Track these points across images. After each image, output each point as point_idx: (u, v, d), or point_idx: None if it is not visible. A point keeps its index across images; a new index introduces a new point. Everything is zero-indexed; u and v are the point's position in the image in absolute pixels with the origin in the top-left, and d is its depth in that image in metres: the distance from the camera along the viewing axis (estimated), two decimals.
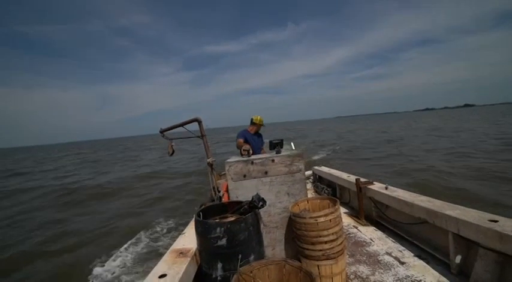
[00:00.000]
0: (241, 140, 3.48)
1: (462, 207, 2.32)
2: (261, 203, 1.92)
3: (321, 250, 2.03)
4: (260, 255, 1.91)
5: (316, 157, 14.95)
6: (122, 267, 4.83)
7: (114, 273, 4.66)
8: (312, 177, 5.70)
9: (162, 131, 3.51)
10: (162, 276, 1.73)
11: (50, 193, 12.21)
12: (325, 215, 2.02)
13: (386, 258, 2.57)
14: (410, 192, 2.98)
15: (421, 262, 2.44)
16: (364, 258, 2.61)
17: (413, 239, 2.79)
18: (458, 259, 2.19)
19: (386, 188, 3.21)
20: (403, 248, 2.74)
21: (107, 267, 4.88)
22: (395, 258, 2.56)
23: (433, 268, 2.32)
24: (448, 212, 2.24)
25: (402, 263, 2.45)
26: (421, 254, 2.58)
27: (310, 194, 4.94)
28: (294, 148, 3.29)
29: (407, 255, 2.59)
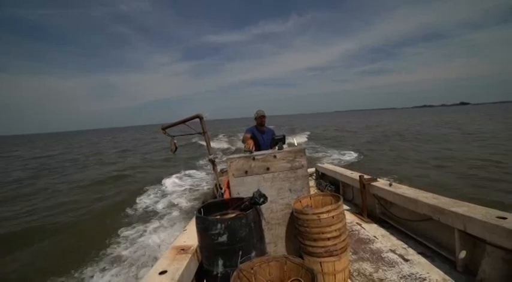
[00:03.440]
0: (247, 135, 3.49)
1: (469, 203, 2.26)
2: (262, 199, 1.90)
3: (323, 247, 2.00)
4: (261, 252, 1.88)
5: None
6: None
7: None
8: (315, 174, 5.65)
9: (163, 128, 3.49)
10: (163, 272, 1.71)
11: None
12: (328, 212, 1.98)
13: (390, 255, 2.53)
14: (415, 189, 2.93)
15: (426, 259, 2.40)
16: (368, 255, 2.57)
17: (417, 236, 2.74)
18: (464, 256, 2.14)
19: (390, 185, 3.16)
20: (407, 245, 2.70)
21: None
22: (400, 255, 2.52)
23: (438, 266, 2.28)
24: (454, 209, 2.19)
25: (406, 260, 2.41)
26: (426, 251, 2.54)
27: (313, 191, 4.90)
28: (296, 144, 3.25)
29: (412, 253, 2.55)
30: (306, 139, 23.02)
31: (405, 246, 2.69)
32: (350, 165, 10.47)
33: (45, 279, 4.42)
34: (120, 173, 13.12)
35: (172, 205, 7.47)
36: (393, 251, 2.61)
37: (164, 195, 8.50)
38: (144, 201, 8.08)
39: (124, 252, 4.94)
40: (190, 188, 9.13)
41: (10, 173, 16.17)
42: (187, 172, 11.90)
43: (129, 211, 7.34)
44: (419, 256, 2.47)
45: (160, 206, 7.45)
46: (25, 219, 7.51)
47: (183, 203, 7.57)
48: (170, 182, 9.97)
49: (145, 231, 5.82)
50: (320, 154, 14.59)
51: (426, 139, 18.66)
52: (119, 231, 5.92)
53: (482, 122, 31.90)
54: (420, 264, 2.33)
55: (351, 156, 13.72)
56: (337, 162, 12.02)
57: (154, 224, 6.18)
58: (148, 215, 6.90)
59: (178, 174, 11.36)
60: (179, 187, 9.31)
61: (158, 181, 10.27)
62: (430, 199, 2.53)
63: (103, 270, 4.48)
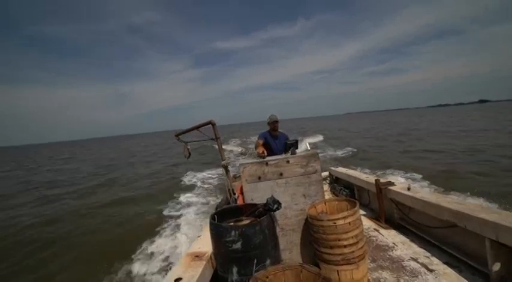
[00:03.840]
0: (260, 141, 3.49)
1: (499, 210, 2.11)
2: (276, 206, 1.87)
3: (340, 254, 1.94)
4: (276, 260, 1.85)
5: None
6: None
7: None
8: (328, 179, 5.55)
9: (177, 135, 3.54)
10: (178, 279, 1.71)
11: None
12: (344, 218, 1.93)
13: (412, 264, 2.40)
14: (436, 193, 2.80)
15: (453, 270, 2.24)
16: (387, 263, 2.46)
17: (441, 244, 2.57)
18: (498, 268, 1.97)
19: (408, 189, 3.03)
20: (430, 253, 2.54)
21: None
22: (423, 264, 2.38)
23: (468, 277, 2.11)
24: (483, 216, 2.03)
25: (431, 271, 2.27)
26: (452, 261, 2.37)
27: (327, 195, 4.80)
28: (309, 148, 3.20)
29: (436, 262, 2.39)
30: (322, 138, 23.85)
31: (428, 254, 2.54)
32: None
33: None
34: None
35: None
36: (415, 260, 2.47)
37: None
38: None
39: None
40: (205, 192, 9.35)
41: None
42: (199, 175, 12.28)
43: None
44: (445, 266, 2.31)
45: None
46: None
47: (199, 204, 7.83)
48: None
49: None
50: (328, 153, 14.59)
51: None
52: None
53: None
54: (447, 275, 2.17)
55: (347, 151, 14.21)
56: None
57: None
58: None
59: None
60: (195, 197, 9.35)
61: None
62: (453, 204, 2.38)
63: None
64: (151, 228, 6.11)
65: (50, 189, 12.86)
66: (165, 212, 7.23)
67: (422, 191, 2.93)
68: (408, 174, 8.20)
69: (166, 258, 4.67)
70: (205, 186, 9.96)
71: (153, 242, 5.40)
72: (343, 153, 14.66)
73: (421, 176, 7.83)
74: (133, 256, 4.89)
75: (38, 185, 14.59)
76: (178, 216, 6.77)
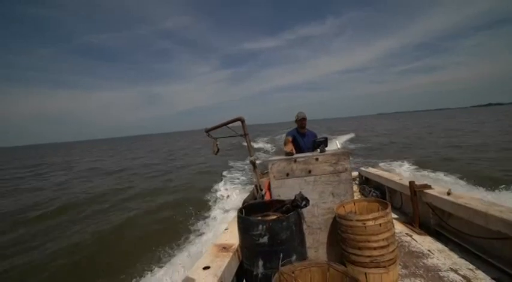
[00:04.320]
0: (289, 138, 3.52)
1: None
2: (304, 203, 1.86)
3: (369, 256, 1.88)
4: (302, 256, 1.85)
5: None
6: None
7: None
8: (358, 179, 5.36)
9: (207, 131, 3.66)
10: (206, 268, 1.79)
11: None
12: (375, 219, 1.86)
13: (452, 275, 2.19)
14: (482, 199, 2.55)
15: None
16: (421, 271, 2.30)
17: (488, 256, 2.30)
18: None
19: (448, 194, 2.82)
20: (474, 266, 2.29)
21: None
22: (464, 277, 2.15)
23: None
24: None
25: None
26: (502, 277, 2.11)
27: (356, 196, 4.64)
28: (339, 147, 3.12)
29: (482, 277, 2.13)
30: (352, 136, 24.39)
31: (471, 267, 2.28)
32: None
33: None
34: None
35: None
36: (455, 271, 2.24)
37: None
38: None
39: None
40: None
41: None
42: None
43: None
44: None
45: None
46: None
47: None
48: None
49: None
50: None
51: None
52: None
53: None
54: None
55: None
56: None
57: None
58: None
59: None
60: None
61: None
62: (506, 213, 2.11)
63: None
64: None
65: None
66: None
67: (466, 196, 2.70)
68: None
69: None
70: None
71: None
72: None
73: None
74: None
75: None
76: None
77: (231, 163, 15.45)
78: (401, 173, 8.87)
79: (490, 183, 6.89)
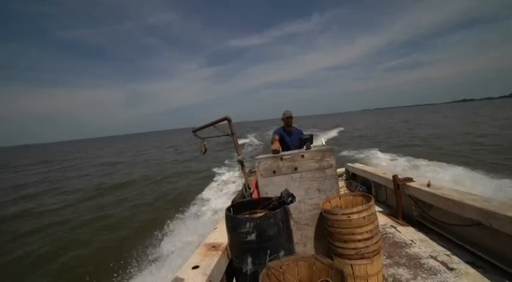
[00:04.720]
0: (275, 137, 3.55)
1: None
2: (290, 199, 1.90)
3: (354, 248, 1.94)
4: (290, 252, 1.89)
5: None
6: None
7: None
8: (345, 175, 5.48)
9: (194, 131, 3.65)
10: (195, 267, 1.80)
11: None
12: (359, 212, 1.92)
13: (431, 262, 2.34)
14: (458, 190, 2.69)
15: (476, 270, 2.15)
16: (404, 260, 2.42)
17: (464, 243, 2.47)
18: None
19: (428, 185, 2.95)
20: (451, 252, 2.46)
21: None
22: (442, 263, 2.31)
23: (493, 278, 2.01)
24: (511, 214, 1.94)
25: (451, 269, 2.20)
26: (475, 260, 2.27)
27: (343, 191, 4.75)
28: (324, 143, 3.19)
29: (457, 261, 2.30)
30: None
31: (448, 252, 2.46)
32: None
33: None
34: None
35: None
36: (434, 258, 2.40)
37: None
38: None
39: None
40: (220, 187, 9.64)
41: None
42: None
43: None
44: (467, 266, 2.22)
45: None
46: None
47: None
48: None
49: None
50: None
51: None
52: None
53: None
54: (469, 275, 2.09)
55: None
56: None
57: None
58: None
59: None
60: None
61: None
62: (479, 202, 2.27)
63: None
64: None
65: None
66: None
67: (444, 187, 2.83)
68: None
69: None
70: None
71: None
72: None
73: None
74: None
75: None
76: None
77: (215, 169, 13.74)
78: (389, 165, 9.67)
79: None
